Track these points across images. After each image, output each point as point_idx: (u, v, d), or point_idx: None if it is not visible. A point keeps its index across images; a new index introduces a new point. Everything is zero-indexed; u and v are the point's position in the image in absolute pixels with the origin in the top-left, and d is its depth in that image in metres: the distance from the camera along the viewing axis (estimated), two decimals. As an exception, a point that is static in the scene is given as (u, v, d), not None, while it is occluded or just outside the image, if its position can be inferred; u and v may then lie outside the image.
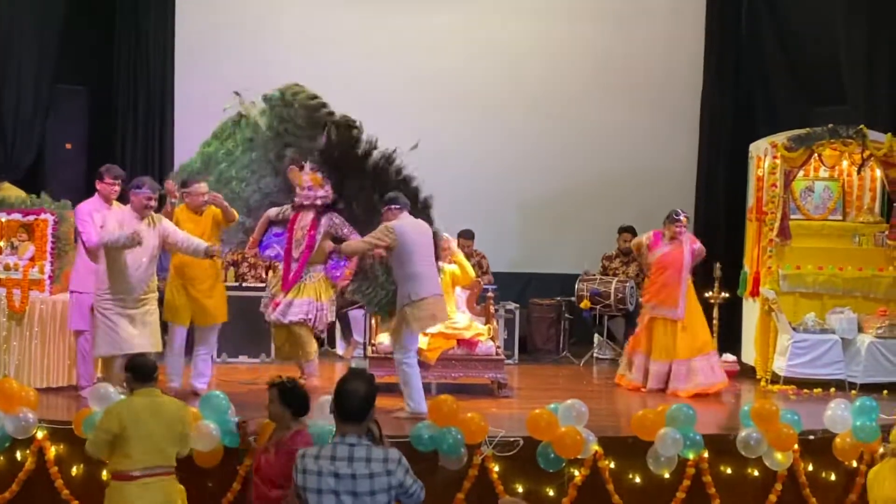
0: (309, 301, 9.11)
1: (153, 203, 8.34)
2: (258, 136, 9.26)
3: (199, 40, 12.52)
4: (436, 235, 8.71)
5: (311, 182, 9.07)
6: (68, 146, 12.00)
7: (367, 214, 9.20)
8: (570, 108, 13.03)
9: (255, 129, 9.24)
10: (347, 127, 9.10)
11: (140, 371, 6.33)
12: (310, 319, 9.14)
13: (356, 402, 4.91)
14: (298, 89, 9.23)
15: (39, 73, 11.54)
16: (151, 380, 6.33)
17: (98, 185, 8.64)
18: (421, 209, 8.82)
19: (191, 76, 12.42)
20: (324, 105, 9.16)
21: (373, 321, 9.87)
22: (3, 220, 9.05)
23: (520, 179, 12.97)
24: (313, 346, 9.28)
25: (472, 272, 10.00)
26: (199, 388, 8.94)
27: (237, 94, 9.34)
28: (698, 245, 10.05)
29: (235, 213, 8.99)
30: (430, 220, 8.69)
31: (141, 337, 8.18)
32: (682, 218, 10.00)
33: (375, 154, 9.08)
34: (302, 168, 9.11)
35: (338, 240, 9.05)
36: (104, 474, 7.31)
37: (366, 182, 9.23)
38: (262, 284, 10.46)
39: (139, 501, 6.15)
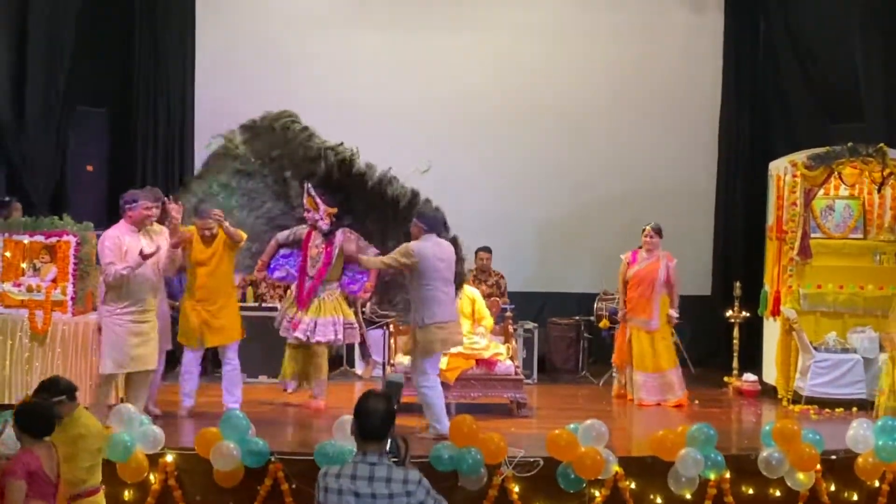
0: (334, 320, 9.18)
1: (154, 213, 8.43)
2: (249, 166, 9.32)
3: (216, 64, 12.59)
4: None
5: (307, 205, 9.17)
6: (90, 168, 12.06)
7: (381, 230, 9.27)
8: (587, 128, 13.03)
9: (243, 159, 9.30)
10: (342, 157, 9.22)
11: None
12: (338, 339, 9.26)
13: (377, 420, 4.92)
14: (287, 119, 9.31)
15: (60, 96, 11.59)
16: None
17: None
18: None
19: (209, 99, 12.48)
20: (311, 136, 9.27)
21: (392, 341, 9.90)
22: (26, 241, 9.09)
23: (537, 199, 12.96)
24: (326, 366, 9.36)
25: (487, 312, 10.15)
26: (231, 406, 8.91)
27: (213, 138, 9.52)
28: (674, 264, 10.30)
29: (242, 234, 9.02)
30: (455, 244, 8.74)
31: (143, 357, 8.27)
32: (645, 229, 10.33)
33: (376, 177, 9.18)
34: (310, 193, 9.23)
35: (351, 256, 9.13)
36: (127, 493, 7.40)
37: (374, 199, 9.30)
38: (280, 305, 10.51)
39: None
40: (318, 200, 9.25)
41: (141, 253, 8.10)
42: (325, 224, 9.25)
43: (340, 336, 9.30)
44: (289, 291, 9.72)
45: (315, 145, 9.30)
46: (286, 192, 9.57)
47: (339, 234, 9.20)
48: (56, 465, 5.84)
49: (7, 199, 10.70)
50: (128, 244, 8.20)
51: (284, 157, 9.43)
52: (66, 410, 6.16)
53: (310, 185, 9.26)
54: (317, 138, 9.36)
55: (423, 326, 8.25)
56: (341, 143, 9.37)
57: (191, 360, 9.12)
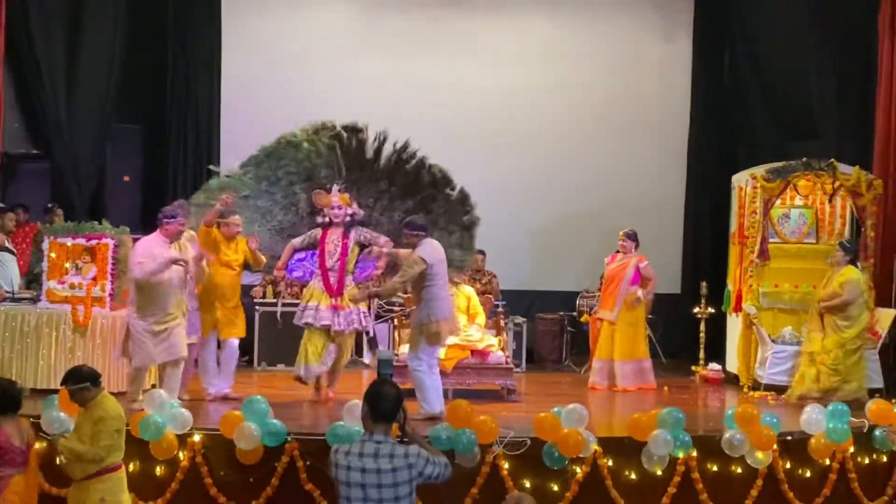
0: (357, 310, 9.15)
1: (185, 230, 8.44)
2: (255, 192, 9.28)
3: (241, 85, 12.59)
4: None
5: (339, 202, 9.09)
6: (126, 178, 12.09)
7: (388, 217, 9.28)
8: (572, 145, 13.05)
9: (249, 188, 9.27)
10: (354, 131, 9.19)
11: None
12: (364, 327, 9.27)
13: (388, 403, 4.94)
14: (287, 135, 9.31)
15: (98, 115, 11.67)
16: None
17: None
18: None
19: (234, 116, 12.50)
20: (323, 127, 9.28)
21: (396, 334, 9.89)
22: (70, 244, 9.10)
23: (528, 208, 12.99)
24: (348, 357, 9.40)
25: (481, 308, 10.15)
26: (224, 391, 8.95)
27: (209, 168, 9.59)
28: (644, 265, 10.31)
29: (263, 259, 9.04)
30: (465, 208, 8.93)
31: (161, 352, 8.18)
32: (619, 234, 10.42)
33: (387, 149, 9.14)
34: (329, 191, 9.15)
35: (366, 247, 9.09)
36: (159, 469, 7.39)
37: (382, 184, 9.27)
38: (298, 301, 10.47)
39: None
40: (348, 196, 9.21)
41: (174, 261, 8.05)
42: (358, 216, 9.21)
43: (362, 324, 9.26)
44: (307, 288, 9.56)
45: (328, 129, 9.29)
46: (296, 203, 9.52)
47: (354, 232, 9.15)
48: (27, 436, 6.10)
49: (51, 205, 10.75)
50: (159, 255, 8.09)
51: (293, 173, 9.40)
52: (91, 396, 6.26)
53: (340, 185, 9.22)
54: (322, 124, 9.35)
55: (429, 322, 8.24)
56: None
57: (211, 351, 9.08)
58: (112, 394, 7.88)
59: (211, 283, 8.91)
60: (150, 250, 8.08)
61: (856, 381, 9.39)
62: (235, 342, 9.17)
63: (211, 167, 9.87)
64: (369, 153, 9.36)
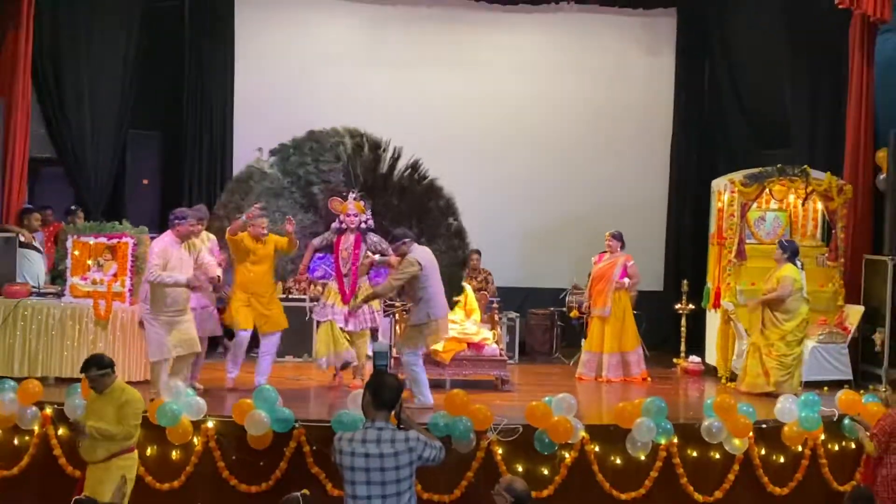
0: (370, 310, 9.19)
1: (198, 229, 8.40)
2: (277, 184, 9.26)
3: (253, 95, 12.54)
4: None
5: (356, 210, 9.11)
6: (145, 182, 12.06)
7: (395, 226, 9.25)
8: (562, 151, 13.02)
9: (272, 177, 9.25)
10: (375, 146, 9.20)
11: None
12: (375, 324, 9.36)
13: (391, 392, 4.95)
14: (312, 142, 9.33)
15: (117, 122, 11.70)
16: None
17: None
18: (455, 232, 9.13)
19: (247, 124, 12.45)
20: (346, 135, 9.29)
21: (397, 328, 9.90)
22: (92, 242, 9.11)
23: (521, 210, 12.96)
24: (366, 351, 9.42)
25: (476, 305, 10.13)
26: (260, 383, 8.88)
27: (259, 149, 9.51)
28: (631, 264, 10.33)
29: (296, 242, 9.03)
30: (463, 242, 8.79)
31: (184, 343, 8.17)
32: (606, 234, 10.38)
33: (401, 164, 9.16)
34: (345, 198, 9.17)
35: (379, 254, 9.10)
36: (175, 453, 7.40)
37: (392, 198, 9.28)
38: (304, 296, 10.48)
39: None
40: (363, 204, 9.20)
41: (188, 284, 8.02)
42: (371, 223, 9.20)
43: (374, 321, 9.34)
44: (327, 286, 9.54)
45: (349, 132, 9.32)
46: (314, 204, 9.52)
47: (369, 238, 9.18)
48: None
49: (73, 207, 10.75)
50: (172, 254, 8.08)
51: (313, 173, 9.40)
52: (110, 382, 6.40)
53: (356, 194, 9.21)
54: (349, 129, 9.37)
55: (429, 321, 8.30)
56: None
57: (241, 340, 9.00)
58: (129, 383, 7.97)
59: (244, 281, 8.89)
60: (165, 252, 8.05)
61: (797, 376, 9.42)
62: (275, 336, 9.07)
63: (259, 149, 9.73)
64: (384, 167, 9.38)
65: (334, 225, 9.23)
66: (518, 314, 11.78)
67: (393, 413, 4.98)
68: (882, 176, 10.64)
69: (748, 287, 10.28)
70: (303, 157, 9.38)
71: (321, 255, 9.34)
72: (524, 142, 12.97)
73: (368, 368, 9.16)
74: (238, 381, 9.00)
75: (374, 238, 9.21)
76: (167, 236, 8.23)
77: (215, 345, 10.28)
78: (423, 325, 8.30)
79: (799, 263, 9.60)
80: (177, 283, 7.96)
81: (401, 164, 9.44)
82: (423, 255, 8.28)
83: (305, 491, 5.13)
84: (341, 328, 9.14)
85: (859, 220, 10.69)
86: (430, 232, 9.54)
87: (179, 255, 8.13)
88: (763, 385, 9.34)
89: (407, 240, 8.33)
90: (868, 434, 6.94)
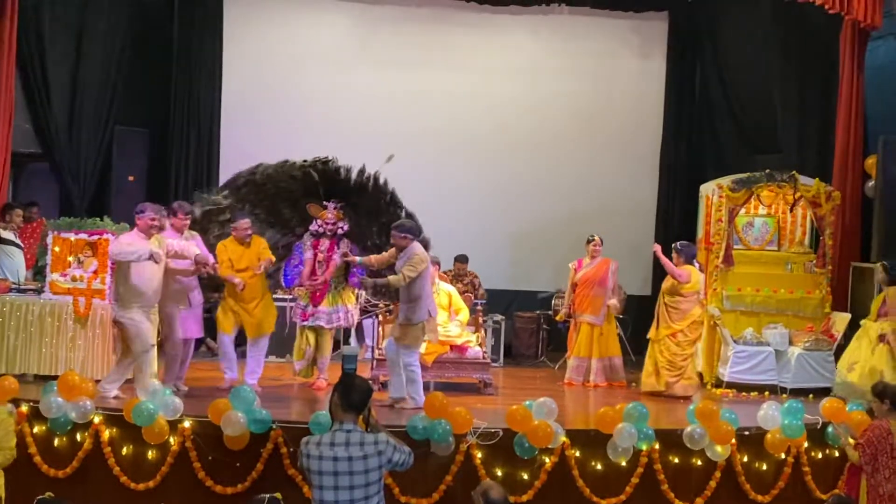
0: (344, 308, 9.18)
1: (157, 223, 8.22)
2: (236, 212, 9.13)
3: (241, 93, 12.47)
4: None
5: (335, 218, 9.06)
6: (131, 179, 11.95)
7: (357, 228, 9.19)
8: (551, 154, 12.96)
9: (231, 209, 9.14)
10: (323, 163, 9.11)
11: None
12: (349, 323, 9.31)
13: (360, 394, 4.85)
14: (262, 170, 9.17)
15: (104, 118, 11.64)
16: None
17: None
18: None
19: (234, 122, 12.40)
20: (288, 162, 9.14)
21: (381, 329, 9.82)
22: (73, 238, 8.99)
23: (508, 213, 12.90)
24: (330, 348, 9.35)
25: (463, 304, 10.00)
26: (251, 384, 8.73)
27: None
28: (615, 268, 10.30)
29: (272, 258, 8.96)
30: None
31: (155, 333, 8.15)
32: (595, 238, 10.32)
33: (355, 175, 9.08)
34: (325, 207, 9.09)
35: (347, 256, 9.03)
36: (150, 453, 7.30)
37: (351, 200, 9.18)
38: (288, 296, 10.39)
39: None
40: (341, 212, 9.14)
41: (151, 256, 7.91)
42: (346, 229, 9.14)
43: (349, 320, 9.29)
44: (298, 290, 9.49)
45: (297, 165, 9.17)
46: (281, 220, 9.40)
47: (342, 244, 9.11)
48: None
49: (11, 203, 10.61)
50: (134, 248, 7.97)
51: (274, 195, 9.29)
52: None
53: (334, 203, 9.13)
54: (294, 161, 9.21)
55: (429, 319, 8.30)
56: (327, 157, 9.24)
57: (227, 343, 8.99)
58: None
59: (230, 288, 8.83)
60: (124, 244, 8.03)
61: (694, 377, 9.62)
62: (263, 340, 9.06)
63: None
64: (342, 174, 9.26)
65: (311, 228, 9.14)
66: (504, 317, 11.70)
67: (361, 417, 4.88)
68: (871, 183, 10.61)
69: (735, 293, 10.21)
70: (256, 186, 9.24)
71: (297, 263, 9.25)
72: (513, 144, 12.90)
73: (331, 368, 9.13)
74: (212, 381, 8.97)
75: (348, 243, 9.12)
76: (129, 233, 8.25)
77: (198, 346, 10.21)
78: (423, 324, 8.29)
79: (697, 265, 9.78)
80: (139, 257, 7.84)
81: (353, 176, 9.26)
82: (425, 254, 8.23)
83: (277, 494, 5.04)
84: (314, 325, 9.07)
85: (847, 227, 10.65)
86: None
87: (146, 250, 8.04)
88: (654, 384, 9.54)
89: (409, 236, 8.24)
90: (853, 443, 6.86)
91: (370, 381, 5.03)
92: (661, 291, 9.78)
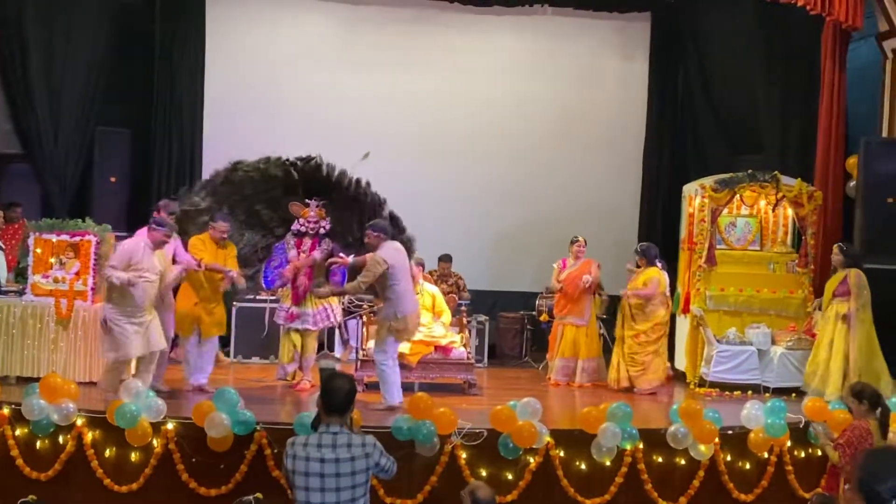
0: (329, 307, 9.16)
1: (169, 241, 8.30)
2: (216, 213, 9.08)
3: (223, 93, 12.42)
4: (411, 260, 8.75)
5: (317, 216, 9.03)
6: (113, 180, 11.87)
7: (339, 227, 9.15)
8: (534, 155, 12.97)
9: (211, 210, 9.10)
10: (306, 161, 9.08)
11: None
12: (332, 323, 9.29)
13: (341, 397, 4.83)
14: (242, 169, 9.14)
15: (85, 118, 11.58)
16: None
17: (156, 233, 8.13)
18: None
19: (216, 122, 12.34)
20: (269, 160, 9.11)
21: (364, 330, 9.80)
22: (54, 240, 8.95)
23: (493, 213, 12.91)
24: (315, 348, 9.33)
25: (446, 306, 9.98)
26: (203, 383, 8.80)
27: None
28: (596, 265, 10.30)
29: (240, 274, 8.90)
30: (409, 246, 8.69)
31: (139, 346, 8.05)
32: (579, 239, 10.37)
33: (336, 174, 9.06)
34: (307, 205, 9.06)
35: (330, 256, 9.04)
36: (134, 455, 7.26)
37: (332, 197, 9.16)
38: (272, 297, 10.36)
39: None
40: (325, 212, 9.11)
41: (130, 281, 7.88)
42: (325, 227, 9.12)
43: (333, 320, 9.26)
44: (285, 290, 9.47)
45: (278, 163, 9.15)
46: (260, 221, 9.36)
47: (323, 243, 9.09)
48: None
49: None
50: (140, 257, 7.98)
51: (252, 196, 9.25)
52: None
53: (316, 201, 9.11)
54: (275, 158, 9.19)
55: (396, 319, 8.18)
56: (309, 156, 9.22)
57: (191, 347, 8.98)
58: (85, 384, 7.82)
59: (194, 286, 8.78)
60: (128, 256, 7.97)
61: (660, 371, 9.82)
62: (215, 339, 9.07)
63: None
64: (324, 171, 9.24)
65: (294, 227, 9.11)
66: (488, 317, 11.70)
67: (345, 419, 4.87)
68: (852, 183, 10.68)
69: (717, 293, 10.25)
70: (234, 186, 9.21)
71: (277, 264, 9.23)
72: (496, 145, 12.91)
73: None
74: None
75: (330, 242, 9.10)
76: (140, 239, 8.17)
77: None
78: (389, 323, 8.22)
79: (660, 265, 9.90)
80: (122, 282, 7.83)
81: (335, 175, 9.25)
82: (391, 252, 8.18)
83: (258, 495, 5.02)
84: (298, 328, 9.05)
85: (829, 227, 10.71)
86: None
87: (150, 260, 8.03)
88: (616, 380, 9.74)
89: (382, 235, 8.22)
90: (833, 443, 6.88)
91: (351, 382, 4.97)
92: (626, 292, 9.92)
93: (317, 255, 9.03)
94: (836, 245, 9.44)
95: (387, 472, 4.90)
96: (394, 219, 8.86)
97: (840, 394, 8.71)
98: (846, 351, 9.01)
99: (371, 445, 4.79)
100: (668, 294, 9.92)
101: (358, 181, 9.03)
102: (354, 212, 9.10)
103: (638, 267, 10.13)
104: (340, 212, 9.16)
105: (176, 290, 8.93)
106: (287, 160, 9.11)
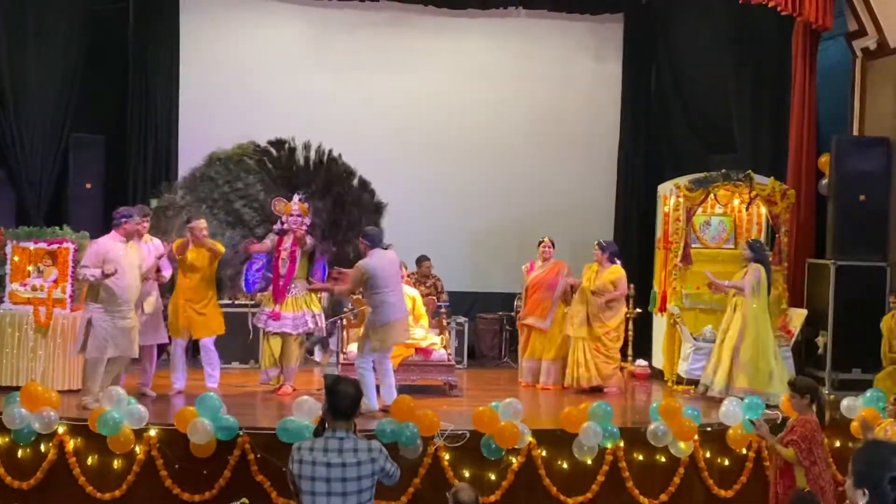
0: (305, 312, 9.11)
1: (144, 227, 8.39)
2: (195, 214, 9.07)
3: (197, 101, 12.34)
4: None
5: (299, 211, 9.03)
6: (88, 186, 11.78)
7: (320, 218, 9.19)
8: (510, 156, 13.00)
9: (188, 209, 9.09)
10: (279, 144, 9.11)
11: None
12: (313, 328, 9.26)
13: (348, 401, 4.82)
14: (217, 161, 9.18)
15: (60, 124, 11.48)
16: None
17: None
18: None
19: (192, 127, 12.25)
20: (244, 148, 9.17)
21: (344, 333, 9.82)
22: (32, 248, 8.94)
23: (470, 214, 12.92)
24: (297, 354, 9.29)
25: (424, 311, 9.99)
26: (212, 388, 8.77)
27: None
28: (566, 269, 10.28)
29: (220, 246, 8.90)
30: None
31: (114, 347, 8.06)
32: (545, 240, 10.38)
33: (313, 156, 9.08)
34: (289, 199, 9.07)
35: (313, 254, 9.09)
36: (116, 462, 7.26)
37: (313, 186, 9.16)
38: (252, 302, 10.36)
39: None
40: (307, 206, 9.12)
41: (104, 273, 7.88)
42: (306, 224, 9.11)
43: (313, 325, 9.24)
44: (267, 294, 9.47)
45: (251, 149, 9.18)
46: (240, 220, 9.37)
47: (308, 240, 9.09)
48: None
49: None
50: (112, 253, 7.99)
51: (231, 193, 9.26)
52: None
53: (300, 196, 9.12)
54: (248, 144, 9.22)
55: (382, 326, 8.19)
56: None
57: (180, 350, 8.97)
58: (66, 392, 7.80)
59: (181, 287, 8.79)
60: (100, 255, 7.97)
61: (618, 371, 10.01)
62: (209, 341, 9.04)
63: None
64: (300, 161, 9.27)
65: (276, 226, 9.12)
66: (467, 318, 11.74)
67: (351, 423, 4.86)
68: (824, 181, 10.81)
69: (693, 291, 10.35)
70: (211, 182, 9.21)
71: (259, 266, 9.23)
72: (471, 146, 12.93)
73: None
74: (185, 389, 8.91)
75: (312, 241, 9.12)
76: (108, 236, 8.16)
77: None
78: (371, 331, 8.23)
79: (618, 262, 10.01)
80: (96, 278, 7.86)
81: (313, 156, 9.31)
82: (375, 261, 8.19)
83: (245, 500, 5.01)
84: (278, 332, 9.07)
85: (802, 225, 10.83)
86: (341, 201, 9.37)
87: (122, 255, 8.01)
88: (589, 379, 9.72)
89: (368, 244, 8.25)
90: (781, 440, 6.63)
91: (356, 388, 4.97)
92: (584, 290, 9.87)
93: (299, 254, 9.02)
94: (745, 241, 9.78)
95: (391, 477, 4.90)
96: (364, 183, 8.91)
97: (723, 387, 8.93)
98: (736, 345, 9.15)
99: (377, 451, 4.80)
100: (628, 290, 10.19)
101: (331, 155, 9.07)
102: (338, 198, 9.12)
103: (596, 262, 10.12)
104: (324, 200, 9.18)
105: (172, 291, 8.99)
106: (259, 145, 9.15)
